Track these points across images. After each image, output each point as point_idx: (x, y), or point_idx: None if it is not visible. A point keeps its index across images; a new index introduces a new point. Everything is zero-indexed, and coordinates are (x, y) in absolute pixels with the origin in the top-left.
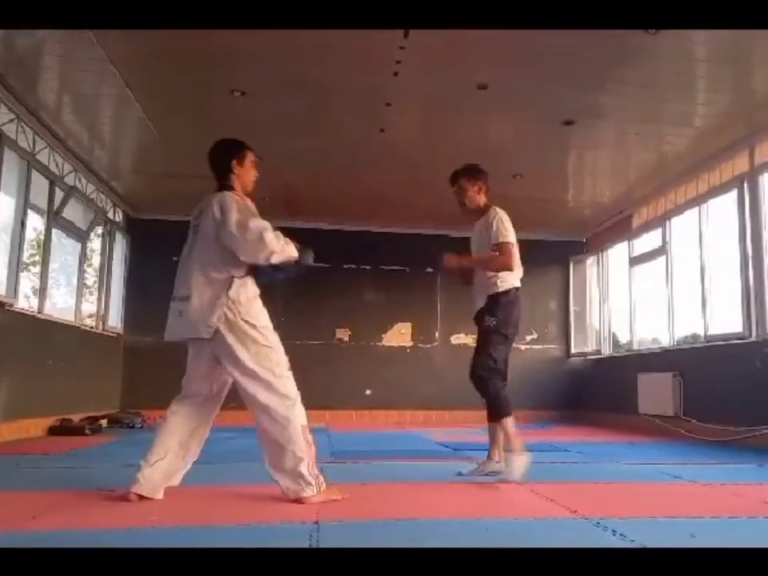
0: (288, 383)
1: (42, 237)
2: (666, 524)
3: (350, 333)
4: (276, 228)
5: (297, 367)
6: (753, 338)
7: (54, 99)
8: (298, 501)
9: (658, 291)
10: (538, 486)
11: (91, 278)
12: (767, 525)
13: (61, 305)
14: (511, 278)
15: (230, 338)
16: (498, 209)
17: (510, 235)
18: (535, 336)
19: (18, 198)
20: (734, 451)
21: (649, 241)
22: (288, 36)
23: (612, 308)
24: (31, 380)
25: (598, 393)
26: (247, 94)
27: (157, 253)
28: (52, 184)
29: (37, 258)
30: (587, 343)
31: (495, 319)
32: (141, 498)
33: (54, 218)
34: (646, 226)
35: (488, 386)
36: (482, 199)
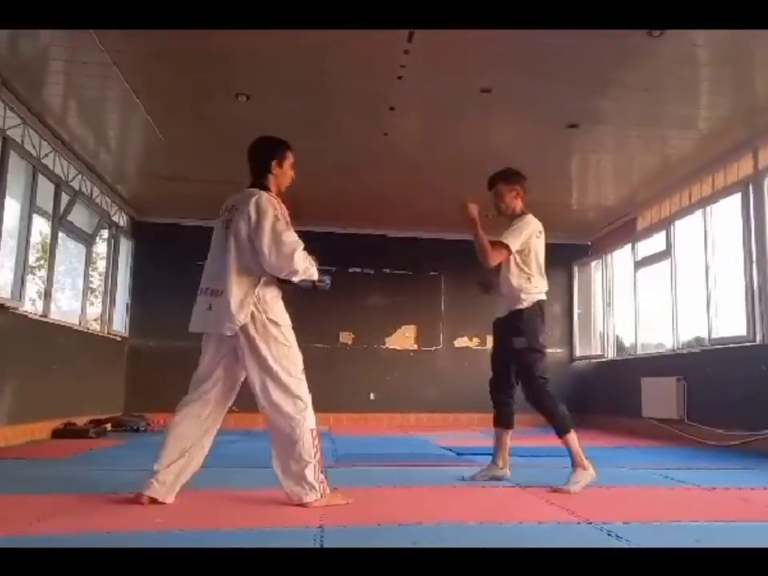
0: (302, 385)
1: (48, 240)
2: (669, 528)
3: (353, 336)
4: None
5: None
6: (757, 342)
7: (59, 103)
8: (302, 505)
9: (662, 294)
10: (542, 490)
11: (96, 281)
12: None
13: (66, 308)
14: (536, 293)
15: (256, 336)
16: (527, 217)
17: (514, 241)
18: None
19: (23, 201)
20: (739, 455)
21: (653, 244)
22: (293, 40)
23: (616, 311)
24: (36, 383)
25: (601, 396)
26: (252, 98)
27: (161, 256)
28: (57, 188)
29: (42, 261)
30: (591, 347)
31: (523, 339)
32: (153, 501)
33: (59, 221)
34: (650, 229)
35: (548, 405)
36: (518, 204)
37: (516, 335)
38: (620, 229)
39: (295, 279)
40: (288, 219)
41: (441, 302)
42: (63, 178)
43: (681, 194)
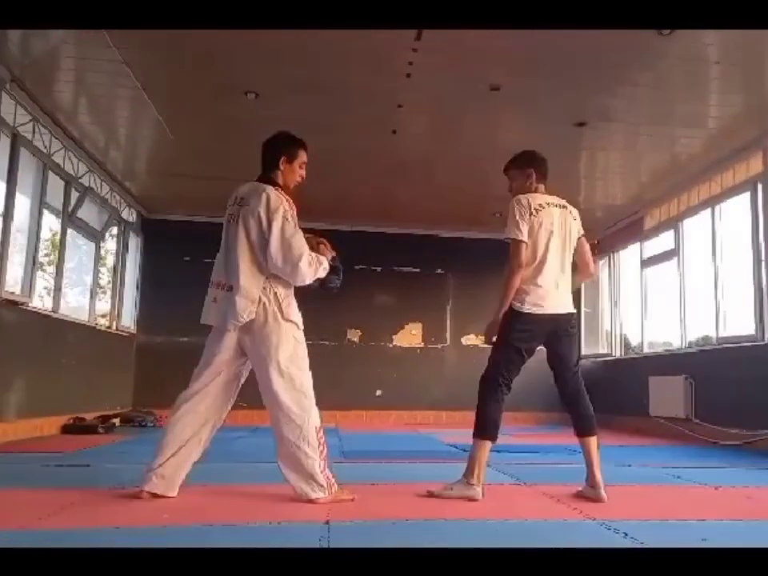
0: (308, 382)
1: (58, 237)
2: (676, 527)
3: (360, 333)
4: None
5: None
6: (766, 341)
7: (69, 101)
8: (309, 501)
9: (669, 293)
10: (548, 487)
11: (105, 277)
12: None
13: (74, 304)
14: (533, 302)
15: (266, 331)
16: (517, 196)
17: (515, 229)
18: None
19: (33, 198)
20: (746, 454)
21: (661, 242)
22: (301, 38)
23: (623, 310)
24: (45, 379)
25: (608, 395)
26: (260, 96)
27: (170, 253)
28: (67, 185)
29: (52, 257)
30: (598, 345)
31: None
32: (154, 496)
33: (69, 218)
34: (658, 228)
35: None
36: (533, 188)
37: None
38: (627, 227)
39: (299, 283)
40: (296, 218)
41: (448, 300)
42: (73, 174)
43: (689, 193)
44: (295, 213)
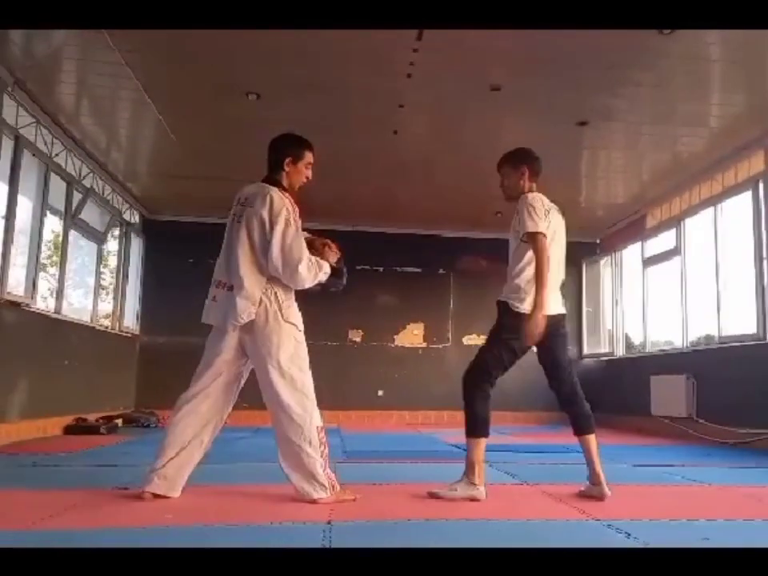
0: (309, 382)
1: (60, 238)
2: (678, 526)
3: (362, 334)
4: None
5: (310, 367)
6: (767, 340)
7: (71, 103)
8: (311, 501)
9: (671, 292)
10: (550, 487)
11: (107, 278)
12: None
13: (77, 305)
14: (520, 300)
15: (266, 332)
16: (530, 194)
17: (540, 223)
18: None
19: (36, 199)
20: (748, 453)
21: (662, 242)
22: (302, 39)
23: (625, 309)
24: (48, 379)
25: (610, 394)
26: (261, 97)
27: (172, 254)
28: (69, 186)
29: (54, 258)
30: (600, 345)
31: (494, 326)
32: (156, 496)
33: (71, 219)
34: (660, 227)
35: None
36: (526, 186)
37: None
38: (629, 227)
39: (299, 287)
40: (298, 221)
41: (449, 300)
42: (75, 176)
43: (691, 192)
44: (298, 216)
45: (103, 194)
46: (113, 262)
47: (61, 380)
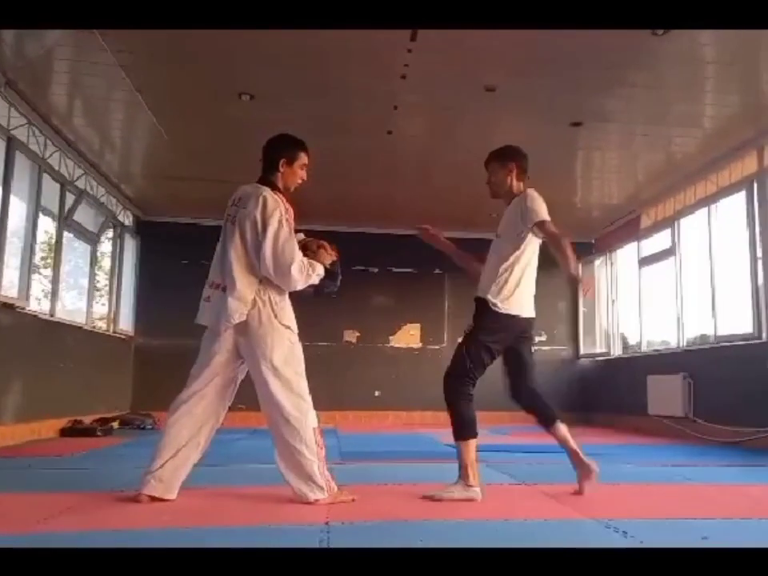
0: (304, 384)
1: (53, 240)
2: (676, 525)
3: (358, 334)
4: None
5: (306, 369)
6: (763, 339)
7: (64, 104)
8: (308, 502)
9: (667, 292)
10: (548, 487)
11: (102, 280)
12: None
13: (71, 307)
14: (515, 304)
15: (260, 333)
16: (531, 190)
17: (546, 212)
18: (544, 338)
19: (29, 201)
20: (745, 452)
21: (658, 241)
22: (296, 39)
23: (621, 309)
24: (43, 382)
25: (607, 394)
26: (255, 97)
27: (167, 255)
28: (63, 187)
29: (48, 260)
30: (596, 344)
31: (473, 325)
32: (152, 499)
33: (64, 221)
34: (655, 227)
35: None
36: (513, 183)
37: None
38: (624, 227)
39: (291, 289)
40: (291, 222)
41: (445, 300)
42: (68, 177)
43: (685, 192)
44: (292, 217)
45: (97, 195)
46: (107, 263)
47: (56, 382)
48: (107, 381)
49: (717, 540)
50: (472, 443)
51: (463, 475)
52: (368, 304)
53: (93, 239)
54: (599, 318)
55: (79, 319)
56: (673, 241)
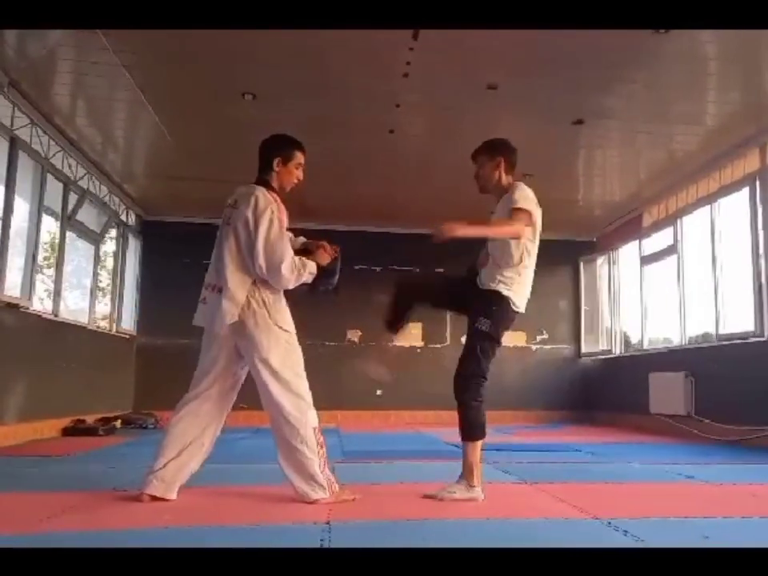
0: (304, 384)
1: (57, 239)
2: (678, 524)
3: (360, 334)
4: (288, 229)
5: (308, 368)
6: (766, 337)
7: (67, 104)
8: (310, 501)
9: (669, 290)
10: (549, 486)
11: (105, 280)
12: None
13: (74, 307)
14: (516, 295)
15: (258, 334)
16: (522, 184)
17: (531, 205)
18: (546, 336)
19: (32, 201)
20: (747, 451)
21: (660, 240)
22: (298, 39)
23: (623, 308)
24: (45, 381)
25: (609, 393)
26: (258, 97)
27: (170, 254)
28: (66, 187)
29: (51, 260)
30: (598, 343)
31: (489, 321)
32: (154, 498)
33: (67, 220)
34: (657, 225)
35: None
36: (502, 177)
37: (484, 316)
38: (626, 225)
39: (283, 288)
40: (284, 220)
41: None
42: (71, 177)
43: (687, 190)
44: (285, 216)
45: (100, 195)
46: (110, 263)
47: (58, 382)
48: (109, 380)
49: (719, 539)
50: (479, 445)
51: (467, 475)
52: (370, 303)
53: (96, 239)
54: (601, 317)
55: (82, 319)
56: (675, 239)
